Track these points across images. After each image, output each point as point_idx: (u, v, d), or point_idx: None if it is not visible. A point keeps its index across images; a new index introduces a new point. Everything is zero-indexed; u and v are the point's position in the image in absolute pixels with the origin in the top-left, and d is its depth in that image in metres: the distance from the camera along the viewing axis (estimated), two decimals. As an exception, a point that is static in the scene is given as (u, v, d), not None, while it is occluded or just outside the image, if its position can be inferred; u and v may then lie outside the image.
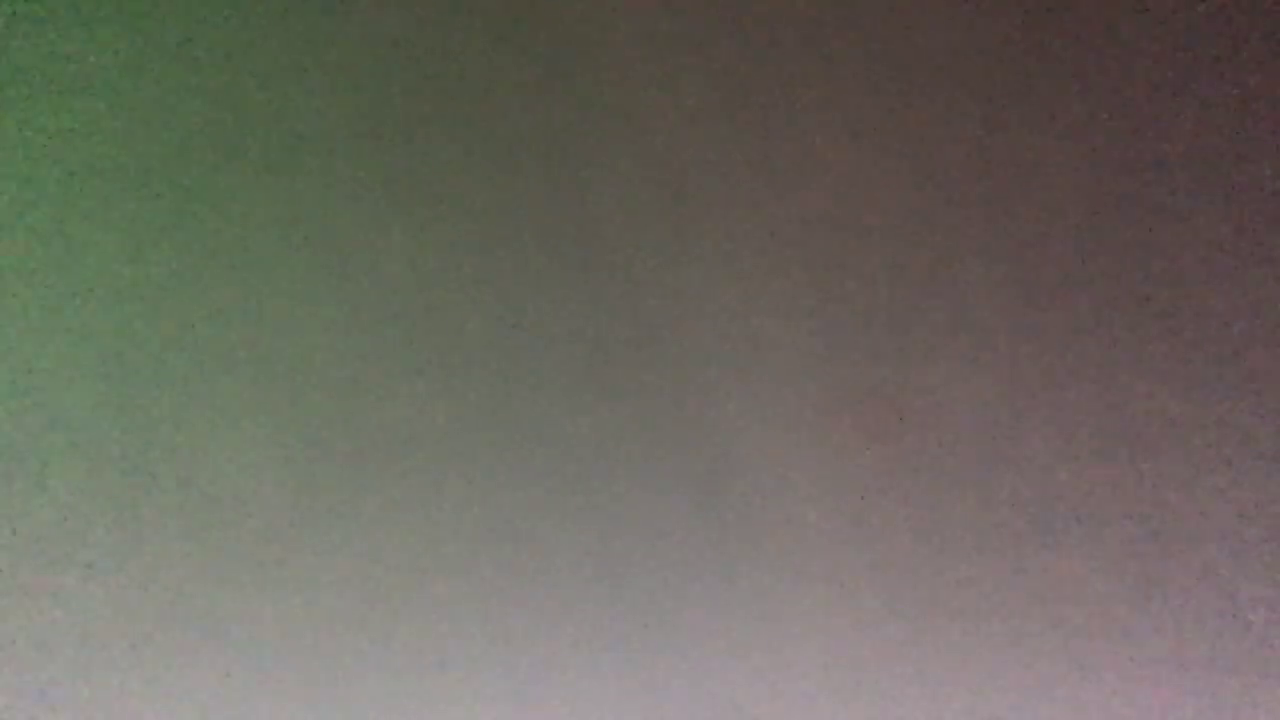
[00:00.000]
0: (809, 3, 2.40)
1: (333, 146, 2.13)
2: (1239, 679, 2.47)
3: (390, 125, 2.16)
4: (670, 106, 2.29)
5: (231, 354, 2.06)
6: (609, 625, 2.17)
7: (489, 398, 2.16)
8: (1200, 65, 2.60)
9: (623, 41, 2.28)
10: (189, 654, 2.00)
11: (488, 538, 2.13)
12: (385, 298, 2.13)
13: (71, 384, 2.00)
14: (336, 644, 2.05)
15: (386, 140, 2.15)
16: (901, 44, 2.44)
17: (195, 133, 2.08)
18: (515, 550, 2.14)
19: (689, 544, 2.22)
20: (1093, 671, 2.41)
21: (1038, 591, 2.40)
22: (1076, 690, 2.40)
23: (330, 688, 2.05)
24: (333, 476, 2.08)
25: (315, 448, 2.07)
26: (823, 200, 2.36)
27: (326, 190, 2.12)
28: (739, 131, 2.32)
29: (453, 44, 2.20)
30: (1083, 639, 2.40)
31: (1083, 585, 2.42)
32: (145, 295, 2.04)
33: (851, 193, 2.38)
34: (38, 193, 2.01)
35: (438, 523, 2.11)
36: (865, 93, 2.41)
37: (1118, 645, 2.42)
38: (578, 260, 2.22)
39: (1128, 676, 2.42)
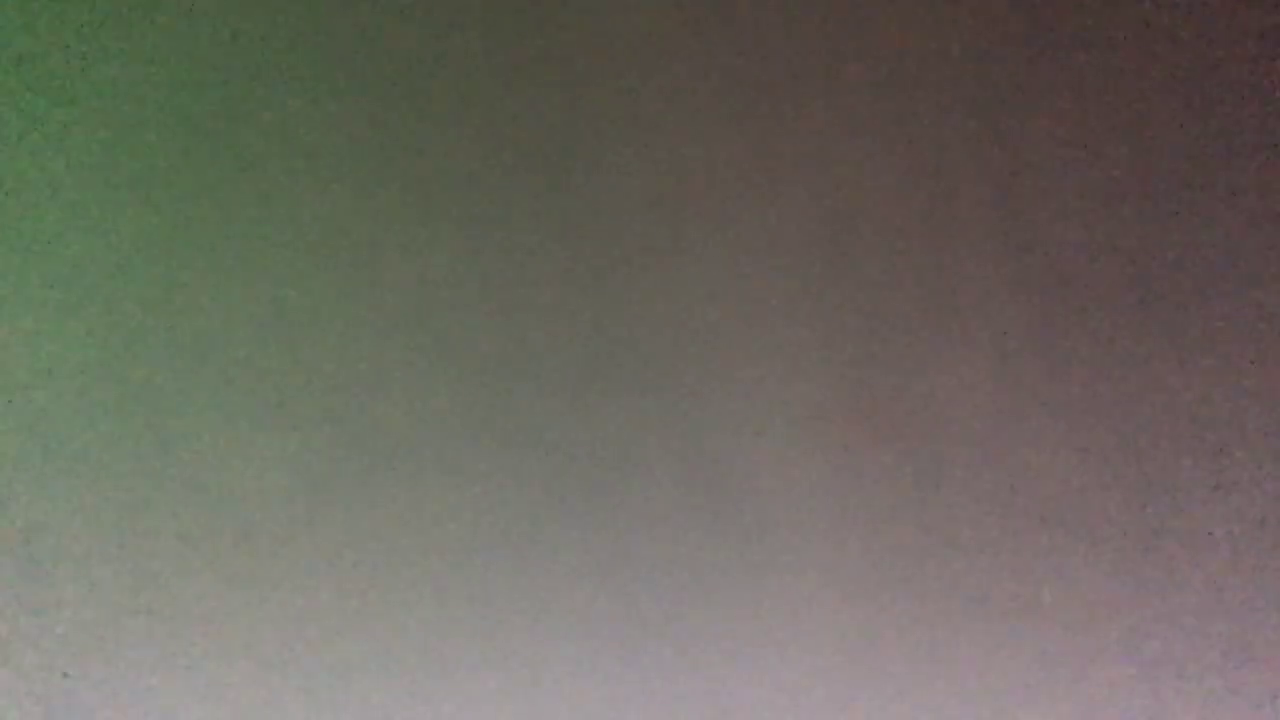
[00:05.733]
0: (810, 3, 2.40)
1: (334, 149, 2.13)
2: (1239, 679, 2.48)
3: (391, 127, 2.16)
4: (670, 106, 2.29)
5: (234, 355, 2.06)
6: (608, 624, 2.18)
7: (491, 398, 2.16)
8: (1200, 65, 2.61)
9: (623, 41, 2.28)
10: (192, 653, 2.01)
11: (488, 536, 2.14)
12: (386, 299, 2.13)
13: (75, 385, 2.00)
14: (338, 642, 2.06)
15: (388, 142, 2.16)
16: (902, 44, 2.45)
17: (197, 135, 2.08)
18: (516, 549, 2.15)
19: (688, 543, 2.23)
20: (1093, 671, 2.41)
21: (1038, 591, 2.41)
22: (1077, 690, 2.41)
23: (331, 686, 2.05)
24: (335, 476, 2.08)
25: (318, 448, 2.08)
26: (823, 200, 2.37)
27: (328, 192, 2.12)
28: (739, 131, 2.33)
29: (454, 46, 2.20)
30: (1083, 639, 2.41)
31: (1083, 585, 2.42)
32: (147, 297, 2.04)
33: (851, 193, 2.38)
34: (39, 195, 2.01)
35: (439, 522, 2.12)
36: (865, 93, 2.41)
37: (1118, 645, 2.43)
38: (578, 261, 2.23)
39: (1128, 676, 2.43)
